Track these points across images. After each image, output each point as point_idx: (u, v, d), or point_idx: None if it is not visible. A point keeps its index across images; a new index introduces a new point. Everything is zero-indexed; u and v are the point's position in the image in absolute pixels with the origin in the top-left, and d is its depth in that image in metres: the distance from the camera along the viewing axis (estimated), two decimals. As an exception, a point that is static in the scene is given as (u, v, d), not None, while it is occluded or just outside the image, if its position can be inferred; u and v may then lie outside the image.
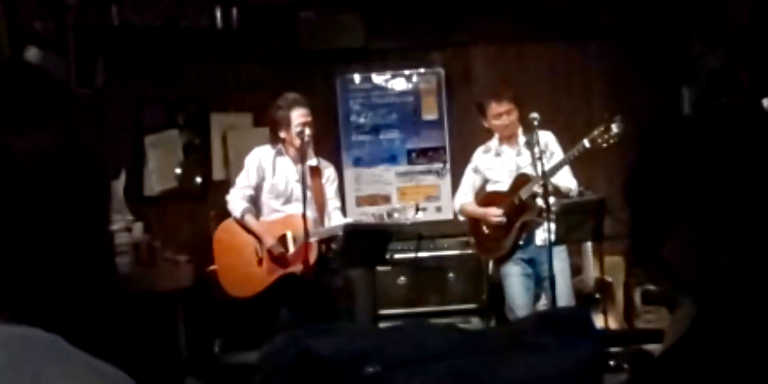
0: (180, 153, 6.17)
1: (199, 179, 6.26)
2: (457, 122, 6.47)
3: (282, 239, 4.60)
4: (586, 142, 4.46)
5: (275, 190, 4.67)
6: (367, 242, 4.50)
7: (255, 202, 4.68)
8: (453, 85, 6.49)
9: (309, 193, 4.64)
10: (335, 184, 4.85)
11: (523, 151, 4.72)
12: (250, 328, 5.41)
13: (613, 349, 4.30)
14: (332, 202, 4.79)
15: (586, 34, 6.35)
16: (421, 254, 5.47)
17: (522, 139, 4.75)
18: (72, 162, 0.84)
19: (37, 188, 0.82)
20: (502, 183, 4.81)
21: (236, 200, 4.71)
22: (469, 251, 5.89)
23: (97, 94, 5.11)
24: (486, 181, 4.92)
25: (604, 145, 4.44)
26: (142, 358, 4.18)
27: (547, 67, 6.43)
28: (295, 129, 4.55)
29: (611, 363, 3.82)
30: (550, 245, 4.46)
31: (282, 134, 4.63)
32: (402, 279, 5.87)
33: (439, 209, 6.40)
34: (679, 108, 6.08)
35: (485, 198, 4.93)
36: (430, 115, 6.51)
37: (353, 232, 4.49)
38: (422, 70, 6.50)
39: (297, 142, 4.57)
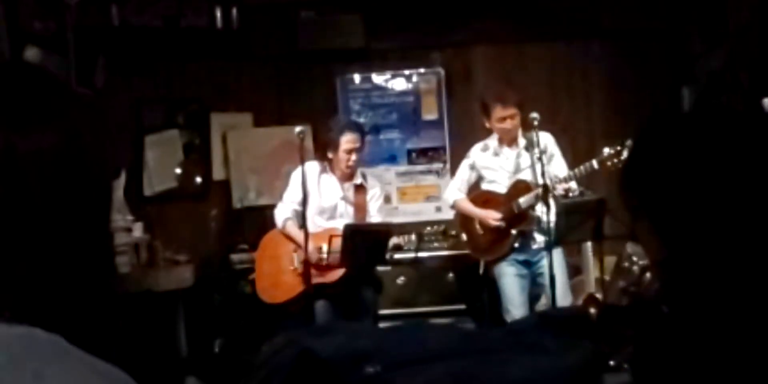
0: (180, 153, 6.17)
1: (199, 179, 6.26)
2: (457, 122, 6.47)
3: (318, 251, 4.63)
4: (595, 163, 4.45)
5: (320, 207, 4.73)
6: (367, 242, 4.51)
7: (303, 216, 4.70)
8: (453, 85, 6.49)
9: (351, 210, 4.75)
10: (379, 202, 4.90)
11: (523, 153, 4.72)
12: (251, 328, 5.42)
13: (613, 349, 4.29)
14: (374, 220, 4.83)
15: (586, 34, 6.35)
16: (421, 254, 5.47)
17: (522, 140, 4.74)
18: (73, 162, 0.84)
19: (39, 188, 0.82)
20: (497, 183, 4.81)
21: (281, 212, 4.82)
22: (469, 251, 5.89)
23: (97, 94, 5.11)
24: (480, 178, 4.92)
25: (613, 168, 4.40)
26: (142, 358, 4.18)
27: (547, 67, 6.43)
28: (341, 154, 4.65)
29: (611, 363, 3.82)
30: (551, 246, 4.47)
31: (329, 155, 4.72)
32: (402, 279, 5.87)
33: (439, 209, 6.40)
34: (679, 108, 6.08)
35: (480, 196, 4.91)
36: (430, 115, 6.51)
37: (353, 232, 4.50)
38: (422, 70, 6.50)
39: (342, 165, 4.68)
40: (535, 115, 4.58)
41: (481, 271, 5.05)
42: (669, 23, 6.21)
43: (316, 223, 4.71)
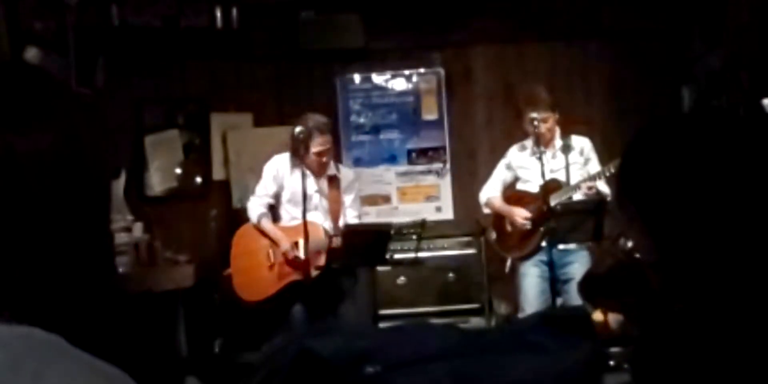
0: (180, 153, 6.17)
1: (199, 179, 6.26)
2: (457, 122, 6.47)
3: (294, 246, 4.61)
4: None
5: (293, 199, 4.70)
6: (366, 242, 4.51)
7: (275, 209, 4.70)
8: (453, 85, 6.49)
9: (325, 202, 4.72)
10: (354, 193, 4.88)
11: (558, 155, 4.75)
12: (251, 328, 5.42)
13: (613, 349, 4.29)
14: (350, 212, 4.81)
15: (586, 34, 6.35)
16: (421, 254, 5.47)
17: (559, 142, 4.77)
18: (72, 162, 0.84)
19: (38, 188, 0.82)
20: (532, 183, 4.82)
21: (254, 207, 4.80)
22: (469, 251, 5.89)
23: (97, 94, 5.11)
24: (516, 179, 4.95)
25: None
26: (142, 358, 4.18)
27: (547, 67, 6.43)
28: (312, 156, 4.63)
29: (611, 363, 3.81)
30: (551, 246, 4.48)
31: (300, 152, 4.66)
32: (402, 279, 5.87)
33: (439, 209, 6.40)
34: (679, 108, 6.08)
35: (512, 196, 4.95)
36: (430, 115, 6.51)
37: (353, 232, 4.49)
38: (422, 70, 6.50)
39: (314, 166, 4.67)
40: (534, 115, 4.60)
41: (507, 269, 5.07)
42: (669, 23, 6.21)
43: (291, 214, 4.68)
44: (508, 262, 5.03)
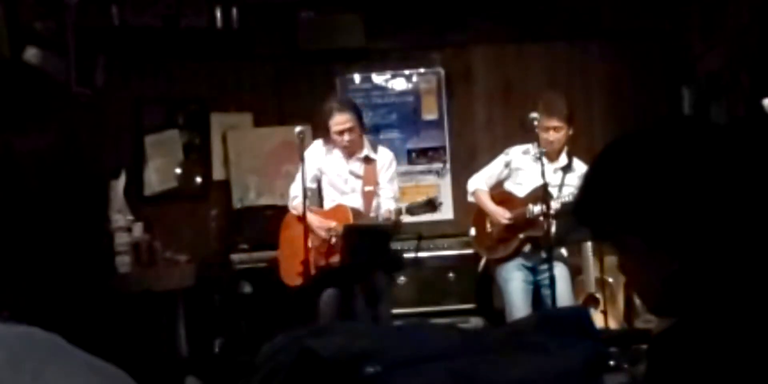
0: (180, 153, 6.17)
1: (199, 179, 6.26)
2: (457, 122, 6.48)
3: (327, 231, 4.63)
4: None
5: (331, 183, 4.75)
6: (367, 242, 4.50)
7: (318, 193, 4.76)
8: (453, 85, 6.49)
9: (360, 184, 4.71)
10: (390, 172, 4.81)
11: (558, 173, 4.71)
12: (251, 328, 5.42)
13: (613, 349, 4.29)
14: (384, 192, 4.75)
15: (586, 34, 6.35)
16: (421, 254, 5.47)
17: (564, 160, 4.71)
18: (71, 162, 0.84)
19: (37, 188, 0.82)
20: (522, 186, 4.77)
21: (292, 192, 4.81)
22: (469, 251, 5.89)
23: (97, 94, 5.11)
24: (508, 177, 4.91)
25: None
26: (142, 358, 4.18)
27: (547, 67, 6.43)
28: (334, 136, 4.65)
29: (611, 363, 3.81)
30: (550, 248, 4.46)
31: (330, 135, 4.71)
32: (402, 279, 5.87)
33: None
34: (679, 108, 6.08)
35: (498, 195, 4.91)
36: (430, 115, 6.51)
37: (353, 232, 4.49)
38: (422, 70, 6.50)
39: (338, 146, 4.70)
40: (534, 115, 4.58)
41: (480, 268, 5.04)
42: (669, 23, 6.21)
43: (331, 197, 4.74)
44: (482, 262, 5.00)
